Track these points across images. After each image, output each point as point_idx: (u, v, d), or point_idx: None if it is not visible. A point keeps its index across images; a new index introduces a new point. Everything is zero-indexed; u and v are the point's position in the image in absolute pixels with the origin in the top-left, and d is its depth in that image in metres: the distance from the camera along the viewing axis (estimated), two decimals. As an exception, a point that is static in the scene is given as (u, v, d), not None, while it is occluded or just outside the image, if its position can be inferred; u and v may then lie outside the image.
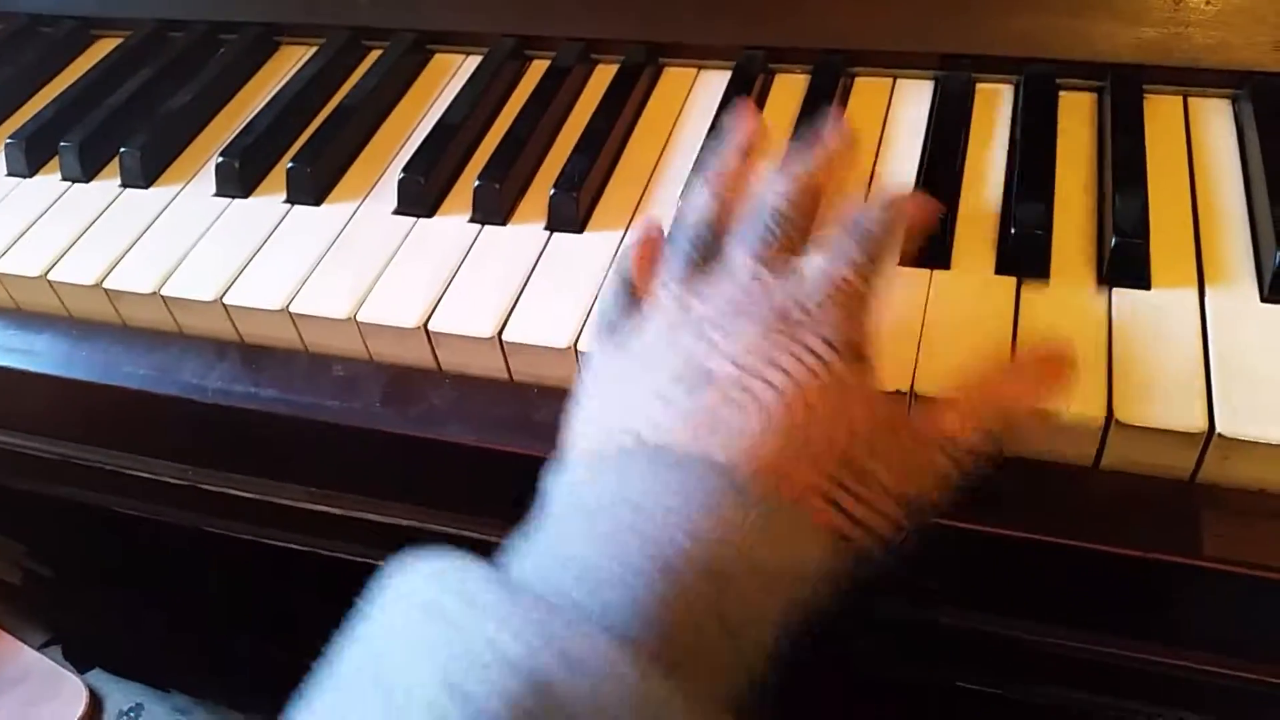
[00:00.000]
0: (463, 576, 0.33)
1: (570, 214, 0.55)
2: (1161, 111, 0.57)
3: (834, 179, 0.47)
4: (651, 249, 0.46)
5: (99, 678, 0.90)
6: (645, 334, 0.42)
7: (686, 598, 0.33)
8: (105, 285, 0.56)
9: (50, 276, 0.57)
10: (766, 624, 0.35)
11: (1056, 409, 0.43)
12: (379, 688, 0.31)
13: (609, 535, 0.34)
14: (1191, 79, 0.58)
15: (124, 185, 0.63)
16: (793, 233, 0.43)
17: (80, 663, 0.84)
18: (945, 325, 0.47)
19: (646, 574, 0.33)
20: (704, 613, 0.33)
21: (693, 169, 0.55)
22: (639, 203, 0.57)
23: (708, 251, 0.44)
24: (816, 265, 0.41)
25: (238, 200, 0.61)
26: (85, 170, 0.64)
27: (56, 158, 0.65)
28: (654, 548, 0.34)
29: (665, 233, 0.47)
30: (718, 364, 0.38)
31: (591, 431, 0.41)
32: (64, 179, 0.64)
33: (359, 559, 0.58)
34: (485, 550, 0.34)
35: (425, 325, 0.51)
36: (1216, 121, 0.56)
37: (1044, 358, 0.42)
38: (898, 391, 0.45)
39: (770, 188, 0.45)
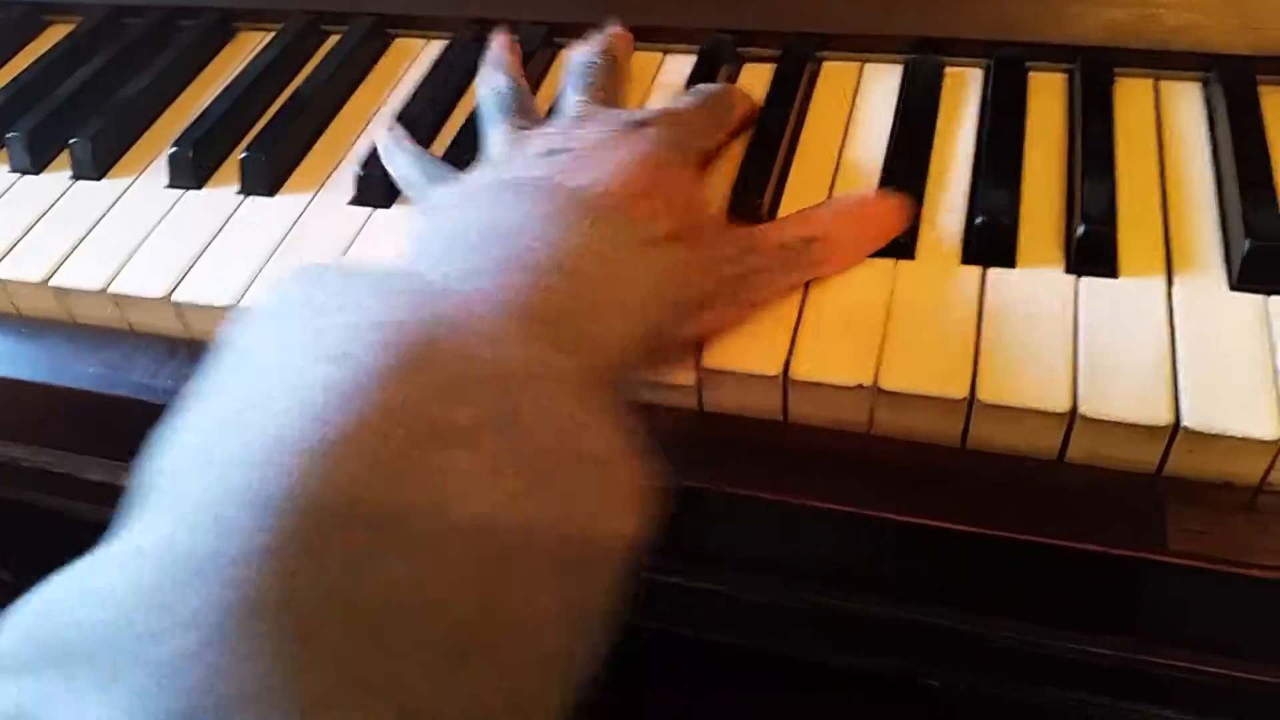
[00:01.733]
0: (323, 271, 0.36)
1: (530, 204, 0.54)
2: (1132, 94, 0.56)
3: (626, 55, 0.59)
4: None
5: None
6: (488, 163, 0.49)
7: (543, 284, 0.37)
8: (53, 282, 0.54)
9: (-3, 272, 0.55)
10: (617, 317, 0.39)
11: (1019, 400, 0.42)
12: (259, 373, 0.33)
13: (475, 244, 0.39)
14: (1162, 62, 0.57)
15: (75, 177, 0.61)
16: (609, 80, 0.54)
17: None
18: (910, 316, 0.46)
19: (505, 267, 0.37)
20: (562, 302, 0.37)
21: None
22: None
23: (523, 102, 0.54)
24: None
25: (191, 191, 0.59)
26: (34, 161, 0.62)
27: (4, 149, 0.63)
28: (512, 247, 0.38)
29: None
30: (576, 142, 0.45)
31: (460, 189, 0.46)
32: (12, 170, 0.63)
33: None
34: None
35: (380, 320, 0.50)
36: (1187, 105, 0.56)
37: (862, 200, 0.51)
38: (859, 386, 0.44)
39: (578, 52, 0.56)
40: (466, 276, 0.37)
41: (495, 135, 0.52)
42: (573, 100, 0.52)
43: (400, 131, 0.56)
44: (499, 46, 0.60)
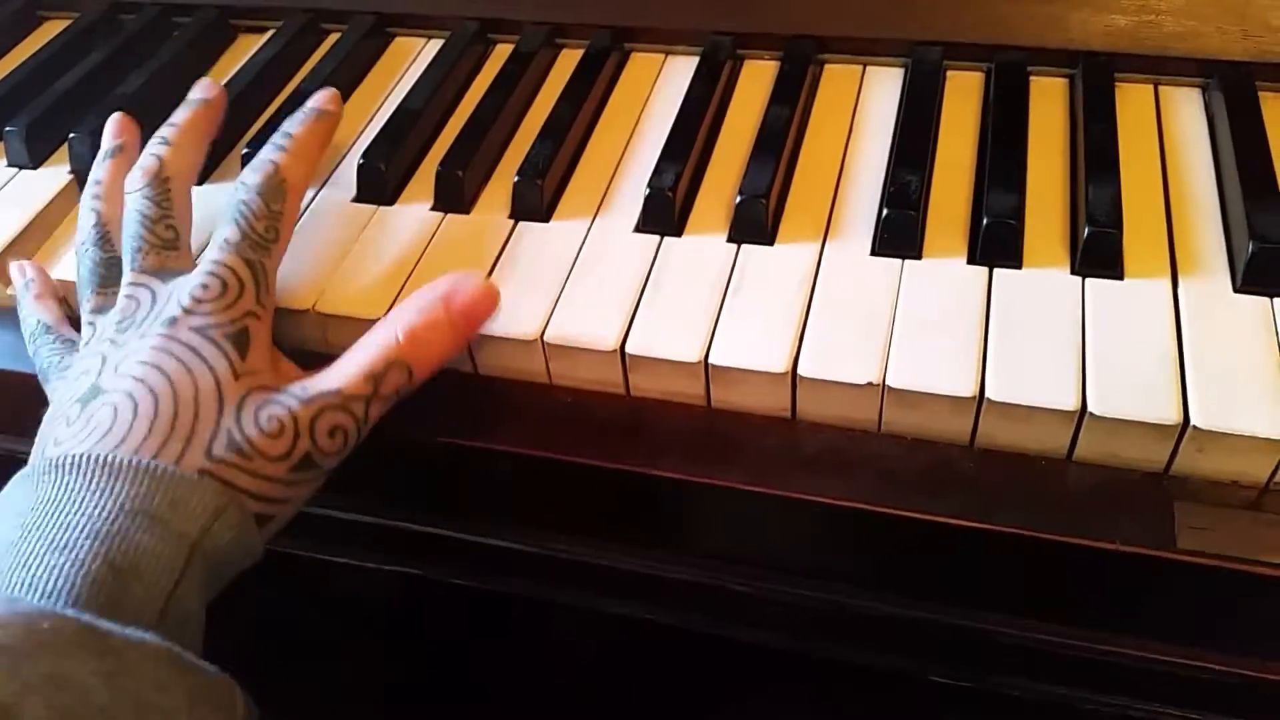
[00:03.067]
0: None
1: (535, 202, 0.54)
2: (1133, 99, 0.57)
3: (192, 148, 0.53)
4: (42, 288, 0.52)
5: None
6: (75, 360, 0.47)
7: (77, 560, 0.37)
8: (55, 277, 0.54)
9: (-4, 267, 0.55)
10: (161, 556, 0.39)
11: (1028, 398, 0.42)
12: None
13: (6, 538, 0.38)
14: (1162, 67, 0.57)
15: (73, 172, 0.61)
16: (161, 230, 0.48)
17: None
18: (917, 316, 0.46)
19: (39, 554, 0.37)
20: (98, 568, 0.37)
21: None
22: (605, 190, 0.56)
23: (106, 271, 0.49)
24: (206, 253, 0.46)
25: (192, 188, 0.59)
26: (32, 156, 0.62)
27: (2, 143, 0.63)
28: (44, 533, 0.38)
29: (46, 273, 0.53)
30: (106, 378, 0.43)
31: (33, 453, 0.44)
32: (10, 165, 0.62)
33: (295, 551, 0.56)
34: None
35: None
36: (1187, 110, 0.56)
37: (430, 292, 0.46)
38: (868, 384, 0.44)
39: (126, 189, 0.50)
40: (7, 584, 0.37)
41: (82, 320, 0.49)
42: (125, 276, 0.48)
43: (33, 273, 0.53)
44: (104, 154, 0.55)
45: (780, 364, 0.45)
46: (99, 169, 0.53)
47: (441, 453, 0.48)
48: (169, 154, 0.51)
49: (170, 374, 0.43)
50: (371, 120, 0.63)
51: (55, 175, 0.61)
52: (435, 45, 0.68)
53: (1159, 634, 0.44)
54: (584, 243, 0.52)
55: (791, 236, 0.51)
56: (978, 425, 0.44)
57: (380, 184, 0.56)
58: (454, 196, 0.55)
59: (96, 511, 0.39)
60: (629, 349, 0.47)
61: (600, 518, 0.49)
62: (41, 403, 0.47)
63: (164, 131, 0.52)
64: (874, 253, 0.50)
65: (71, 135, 0.61)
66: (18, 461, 0.56)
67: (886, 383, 0.44)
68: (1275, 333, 0.44)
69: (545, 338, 0.48)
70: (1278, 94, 0.55)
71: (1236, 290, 0.47)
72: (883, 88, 0.60)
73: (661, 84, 0.63)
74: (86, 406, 0.43)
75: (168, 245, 0.48)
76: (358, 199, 0.57)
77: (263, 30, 0.71)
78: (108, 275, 0.49)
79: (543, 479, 0.48)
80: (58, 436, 0.43)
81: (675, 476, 0.45)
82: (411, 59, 0.67)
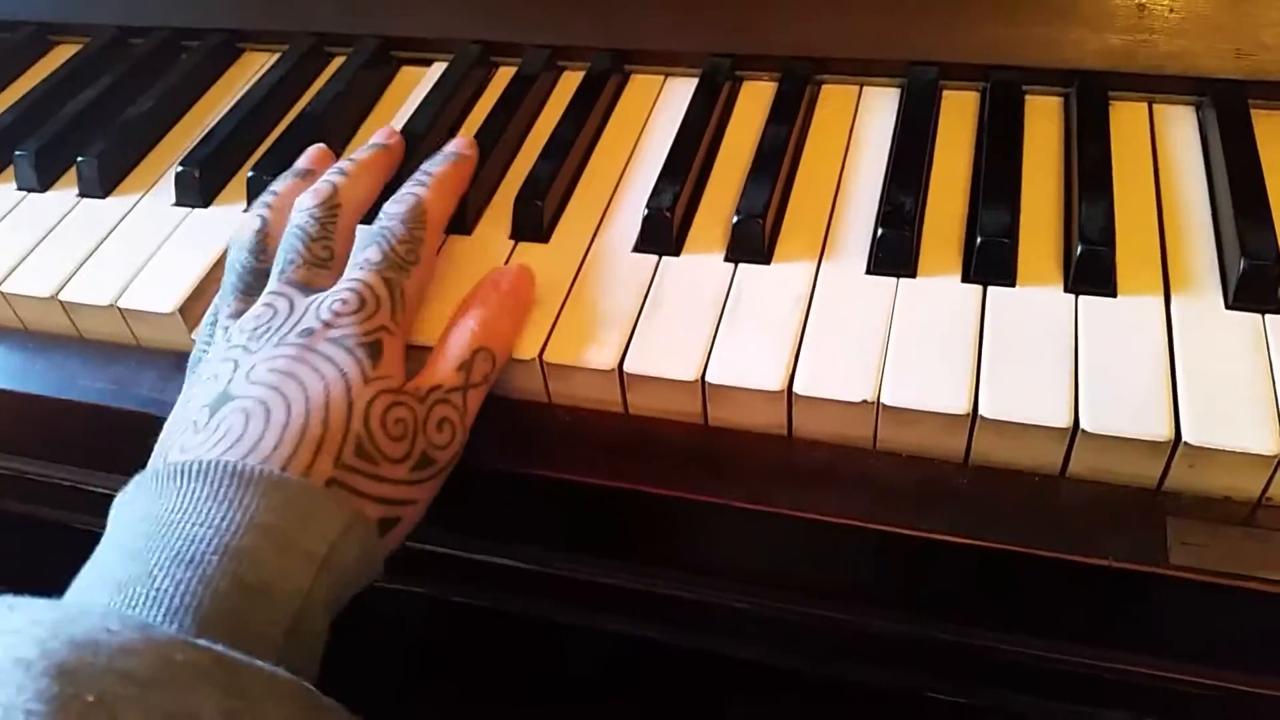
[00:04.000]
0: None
1: (535, 222, 0.55)
2: (1127, 118, 0.57)
3: (367, 183, 0.53)
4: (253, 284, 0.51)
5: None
6: (204, 363, 0.47)
7: (205, 577, 0.37)
8: (61, 297, 0.55)
9: (4, 288, 0.56)
10: (291, 576, 0.38)
11: (1021, 415, 0.43)
12: None
13: (129, 546, 0.38)
14: (1156, 86, 0.58)
15: (81, 195, 0.62)
16: (318, 249, 0.49)
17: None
18: (912, 333, 0.47)
19: (164, 565, 0.37)
20: (227, 586, 0.37)
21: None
22: (605, 210, 0.56)
23: (252, 279, 0.49)
24: (346, 272, 0.47)
25: (197, 210, 0.60)
26: (41, 179, 0.63)
27: (11, 167, 0.64)
28: (168, 543, 0.37)
29: None
30: (238, 385, 0.43)
31: (154, 455, 0.45)
32: (19, 188, 0.63)
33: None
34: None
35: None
36: (1181, 128, 0.57)
37: (487, 281, 0.49)
38: (863, 401, 0.44)
39: (296, 208, 0.50)
40: (126, 596, 0.36)
41: (219, 322, 0.49)
42: (270, 285, 0.48)
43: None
44: (291, 172, 0.55)
45: (776, 382, 0.46)
46: (279, 183, 0.54)
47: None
48: (344, 184, 0.52)
49: (305, 381, 0.43)
50: (375, 142, 0.64)
51: (64, 199, 0.62)
52: (439, 68, 0.69)
53: (1152, 649, 0.44)
54: (582, 263, 0.53)
55: (788, 256, 0.52)
56: (972, 442, 0.44)
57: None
58: (456, 217, 0.56)
59: (224, 525, 0.38)
60: (627, 368, 0.47)
61: (599, 535, 0.49)
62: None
63: (343, 164, 0.53)
64: (869, 271, 0.50)
65: (80, 159, 0.62)
66: (40, 483, 0.58)
67: (881, 400, 0.44)
68: (1267, 350, 0.45)
69: (544, 358, 0.48)
70: (1270, 112, 0.56)
71: (1228, 307, 0.47)
72: (879, 107, 0.61)
73: (661, 105, 0.64)
74: (216, 413, 0.42)
75: (319, 264, 0.49)
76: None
77: (269, 53, 0.72)
78: (253, 284, 0.49)
79: (541, 497, 0.49)
80: (184, 443, 0.42)
81: (673, 494, 0.46)
82: (415, 82, 0.68)
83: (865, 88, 0.62)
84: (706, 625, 0.51)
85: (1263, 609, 0.41)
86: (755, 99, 0.62)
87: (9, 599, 0.33)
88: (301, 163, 0.56)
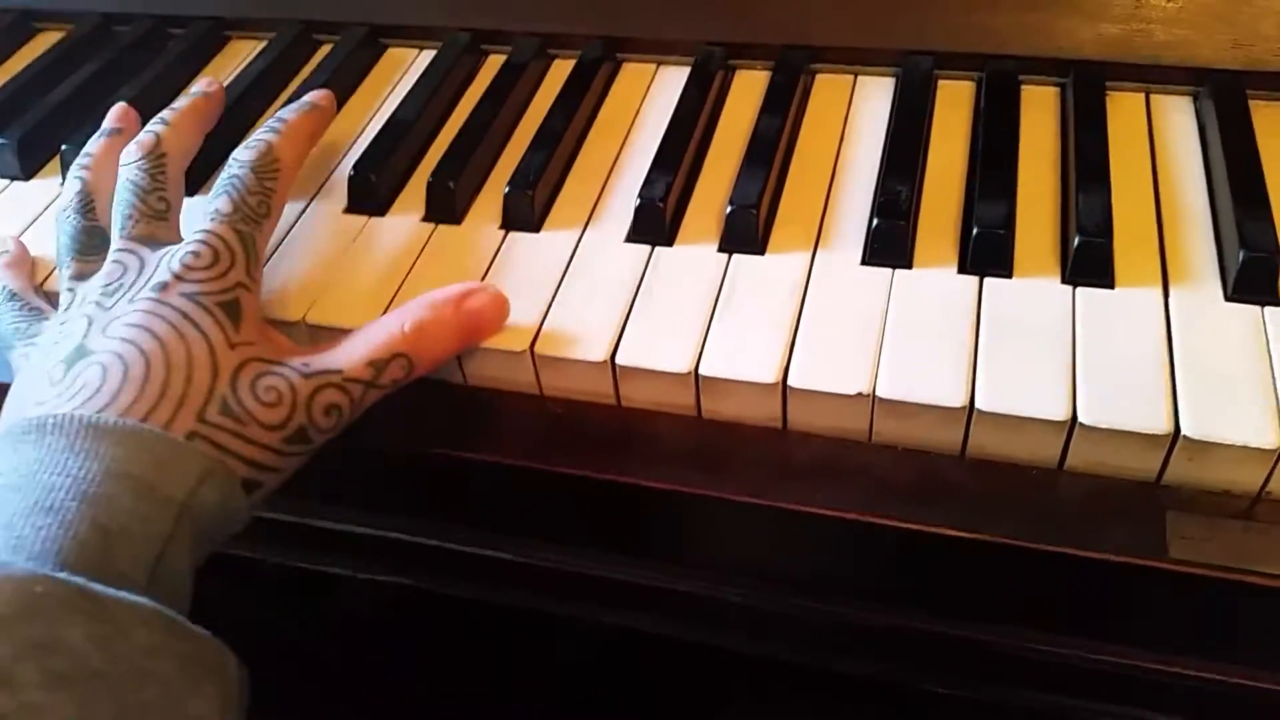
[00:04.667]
0: None
1: (526, 212, 0.54)
2: (1124, 108, 0.57)
3: (191, 132, 0.54)
4: (15, 257, 0.53)
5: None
6: (51, 323, 0.47)
7: (65, 522, 0.37)
8: (47, 288, 0.54)
9: (-13, 278, 0.55)
10: (150, 519, 0.38)
11: (1019, 408, 0.42)
12: None
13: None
14: (1153, 76, 0.57)
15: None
16: (153, 201, 0.49)
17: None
18: (908, 325, 0.46)
19: (23, 514, 0.37)
20: (86, 530, 0.37)
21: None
22: (597, 200, 0.56)
23: (88, 239, 0.49)
24: (195, 223, 0.47)
25: (184, 199, 0.59)
26: (24, 168, 0.62)
27: (-5, 155, 0.63)
28: (26, 493, 0.37)
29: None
30: (94, 340, 0.43)
31: (5, 417, 0.44)
32: (2, 177, 0.62)
33: (306, 566, 0.56)
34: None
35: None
36: (1178, 119, 0.56)
37: (449, 294, 0.47)
38: (858, 394, 0.44)
39: (121, 162, 0.50)
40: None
41: (59, 287, 0.49)
42: (113, 242, 0.48)
43: (12, 245, 0.54)
44: (101, 131, 0.55)
45: (770, 374, 0.45)
46: (92, 144, 0.53)
47: (432, 464, 0.48)
48: (167, 132, 0.51)
49: (162, 337, 0.43)
50: (363, 131, 0.63)
51: (47, 187, 0.61)
52: (428, 56, 0.68)
53: (1151, 643, 0.44)
54: (575, 253, 0.52)
55: (782, 246, 0.51)
56: (969, 435, 0.44)
57: (372, 194, 0.56)
58: (445, 207, 0.55)
59: (82, 474, 0.38)
60: (619, 360, 0.47)
61: (592, 529, 0.49)
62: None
63: (163, 114, 0.53)
64: (864, 262, 0.50)
65: (64, 147, 0.61)
66: None
67: (877, 393, 0.44)
68: (1266, 342, 0.44)
69: (535, 349, 0.47)
70: (1268, 102, 0.56)
71: (1227, 299, 0.47)
72: (874, 97, 0.60)
73: (653, 94, 0.63)
74: (72, 367, 0.42)
75: (158, 216, 0.48)
76: (349, 209, 0.57)
77: (256, 41, 0.71)
78: (89, 243, 0.49)
79: (533, 490, 0.48)
80: (39, 397, 0.42)
81: (666, 487, 0.45)
82: (404, 70, 0.68)
83: (860, 77, 0.62)
84: (701, 619, 0.51)
85: (1262, 603, 0.40)
86: (749, 88, 0.62)
87: None
88: (109, 122, 0.55)
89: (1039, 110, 0.58)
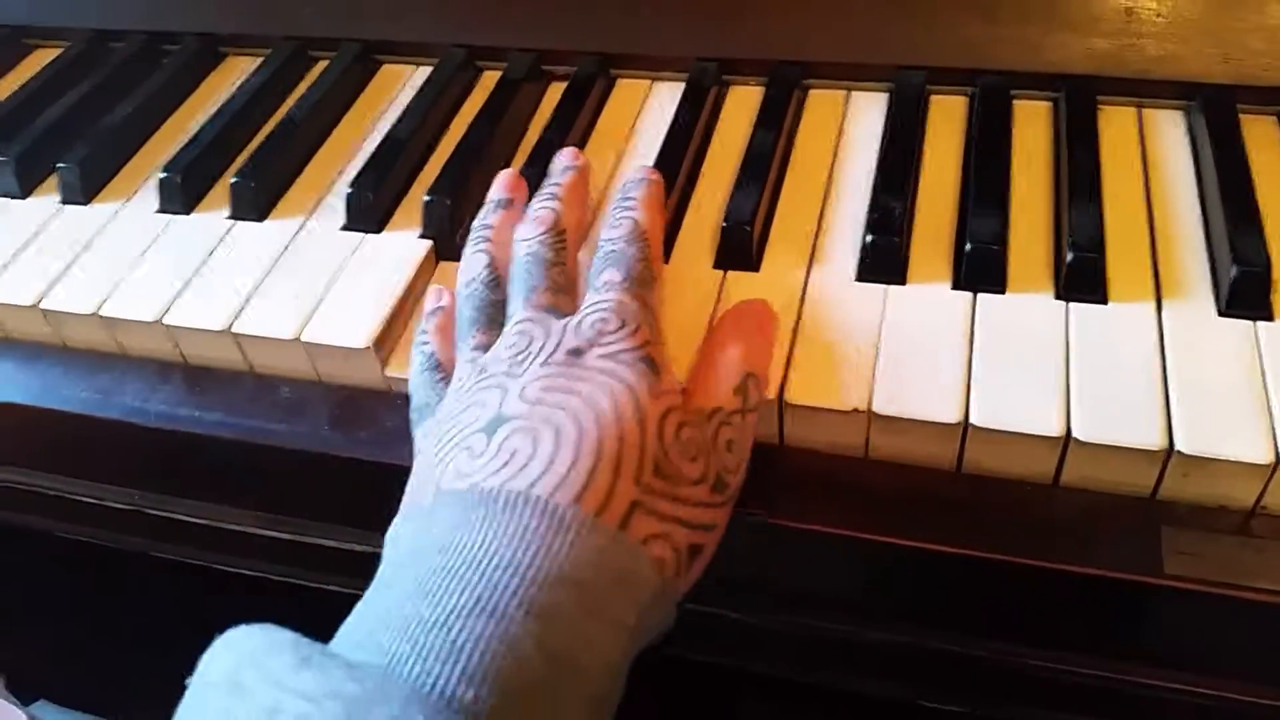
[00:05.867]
0: (267, 649, 0.32)
1: (522, 230, 0.54)
2: (1116, 122, 0.57)
3: (578, 206, 0.51)
4: (447, 320, 0.49)
5: (44, 709, 0.88)
6: (448, 399, 0.44)
7: (508, 635, 0.32)
8: (43, 306, 0.54)
9: (-15, 297, 0.55)
10: (601, 649, 0.35)
11: (1013, 424, 0.42)
12: None
13: (422, 582, 0.34)
14: (1145, 90, 0.58)
15: (63, 202, 0.61)
16: (556, 274, 0.46)
17: (24, 695, 0.82)
18: (902, 341, 0.47)
19: (462, 614, 0.33)
20: (531, 650, 0.32)
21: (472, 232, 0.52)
22: (592, 219, 0.56)
23: (493, 311, 0.47)
24: (590, 296, 0.44)
25: (180, 216, 0.59)
26: (21, 186, 0.62)
27: (-9, 173, 0.63)
28: (468, 586, 0.33)
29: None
30: (512, 406, 0.40)
31: (409, 496, 0.42)
32: (-1, 195, 0.62)
33: (310, 584, 0.56)
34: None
35: (374, 344, 0.50)
36: (1170, 133, 0.57)
37: (743, 310, 0.47)
38: (854, 410, 0.44)
39: (520, 237, 0.48)
40: (419, 645, 0.32)
41: (459, 359, 0.47)
42: (514, 313, 0.46)
43: (445, 302, 0.50)
44: (494, 203, 0.52)
45: (767, 391, 0.45)
46: (490, 217, 0.51)
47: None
48: (563, 209, 0.49)
49: (587, 396, 0.40)
50: (360, 148, 0.63)
51: (45, 206, 0.61)
52: (423, 73, 0.68)
53: (1146, 659, 0.44)
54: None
55: (776, 262, 0.52)
56: (963, 451, 0.44)
57: (368, 212, 0.57)
58: (441, 224, 0.55)
59: (531, 573, 0.34)
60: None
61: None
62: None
63: (551, 189, 0.51)
64: (858, 278, 0.50)
65: (61, 165, 0.61)
66: (25, 493, 0.57)
67: (872, 409, 0.44)
68: (1259, 357, 0.45)
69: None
70: (1259, 116, 0.56)
71: (1220, 314, 0.47)
72: (867, 112, 0.60)
73: (648, 110, 0.63)
74: (494, 435, 0.39)
75: (560, 290, 0.46)
76: (346, 227, 0.57)
77: (251, 58, 0.72)
78: (494, 316, 0.47)
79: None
80: (461, 468, 0.39)
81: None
82: (399, 87, 0.68)
83: (853, 92, 0.62)
84: (699, 636, 0.51)
85: (1257, 618, 0.41)
86: (742, 104, 0.62)
87: (301, 645, 0.31)
88: (501, 193, 0.53)
89: (1031, 125, 0.58)
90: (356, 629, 0.35)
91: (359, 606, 0.36)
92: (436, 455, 0.41)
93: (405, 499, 0.42)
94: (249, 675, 0.31)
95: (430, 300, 0.51)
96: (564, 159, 0.53)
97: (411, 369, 0.48)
